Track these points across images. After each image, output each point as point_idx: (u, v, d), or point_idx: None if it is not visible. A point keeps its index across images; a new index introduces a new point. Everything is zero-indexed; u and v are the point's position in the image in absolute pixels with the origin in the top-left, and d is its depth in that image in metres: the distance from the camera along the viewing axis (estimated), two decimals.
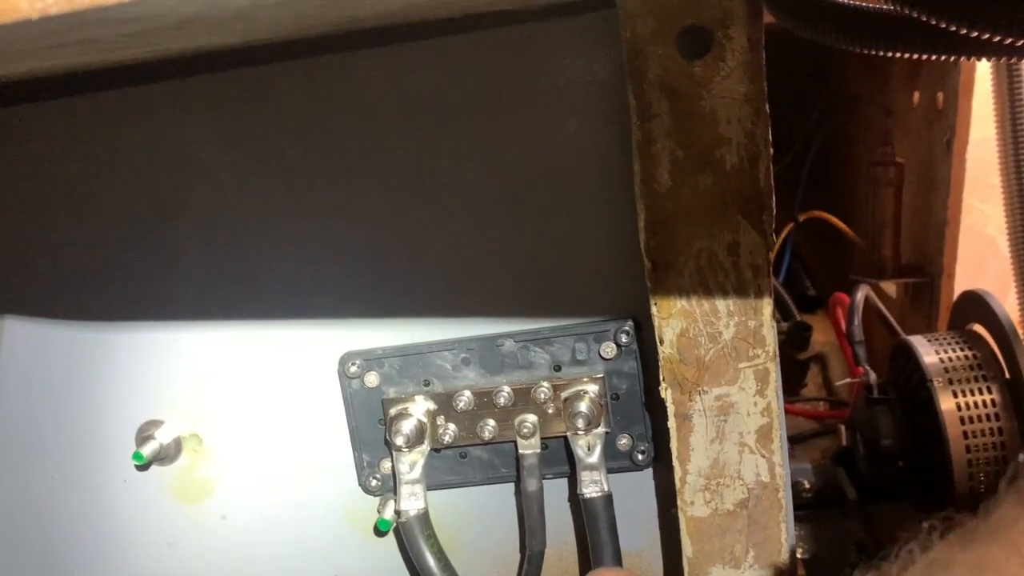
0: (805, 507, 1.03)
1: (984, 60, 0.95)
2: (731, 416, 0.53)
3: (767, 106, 0.50)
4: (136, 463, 0.61)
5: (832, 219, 1.25)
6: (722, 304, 0.52)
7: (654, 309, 0.53)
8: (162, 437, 0.62)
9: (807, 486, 1.04)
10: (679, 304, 0.53)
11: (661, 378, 0.54)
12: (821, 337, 1.26)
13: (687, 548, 0.56)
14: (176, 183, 0.59)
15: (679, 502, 0.55)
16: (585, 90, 0.55)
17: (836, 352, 1.23)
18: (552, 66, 0.55)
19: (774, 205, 0.51)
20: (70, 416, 0.63)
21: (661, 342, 0.53)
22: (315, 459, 0.62)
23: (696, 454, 0.54)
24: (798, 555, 0.98)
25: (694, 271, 0.52)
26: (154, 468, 0.64)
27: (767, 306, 0.52)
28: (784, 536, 0.55)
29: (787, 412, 1.15)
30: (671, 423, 0.54)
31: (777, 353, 0.53)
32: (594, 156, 0.56)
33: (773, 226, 0.52)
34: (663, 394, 0.54)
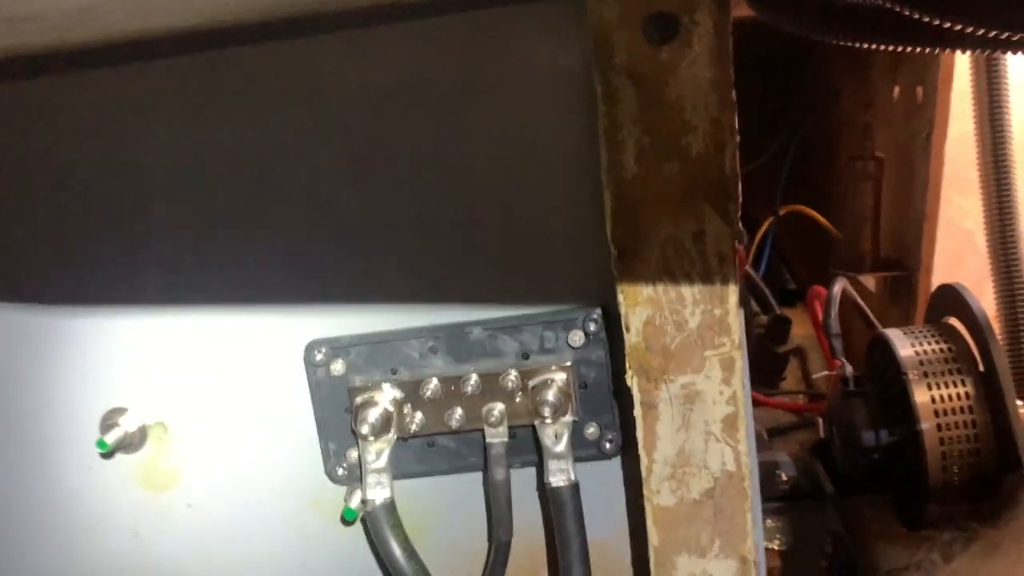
0: (782, 499, 1.03)
1: (964, 53, 0.95)
2: (697, 404, 0.53)
3: (734, 93, 0.50)
4: (100, 451, 0.60)
5: (812, 213, 1.25)
6: (688, 292, 0.52)
7: (620, 297, 0.53)
8: (127, 425, 0.61)
9: (784, 478, 1.04)
10: (645, 292, 0.52)
11: (627, 366, 0.53)
12: (800, 330, 1.26)
13: (653, 537, 0.55)
14: (141, 168, 0.59)
15: (645, 491, 0.55)
16: (552, 77, 0.54)
17: (815, 345, 1.23)
18: (519, 52, 0.54)
19: (740, 193, 0.51)
20: (33, 403, 0.62)
21: (627, 330, 0.53)
22: (281, 448, 0.62)
23: (662, 443, 0.54)
24: (774, 547, 0.98)
25: (660, 259, 0.52)
26: (119, 456, 0.63)
27: (733, 294, 0.52)
28: (750, 525, 0.54)
29: (766, 405, 1.15)
30: (637, 411, 0.54)
31: (744, 341, 0.53)
32: (562, 143, 0.55)
33: (739, 214, 0.52)
34: (629, 382, 0.54)
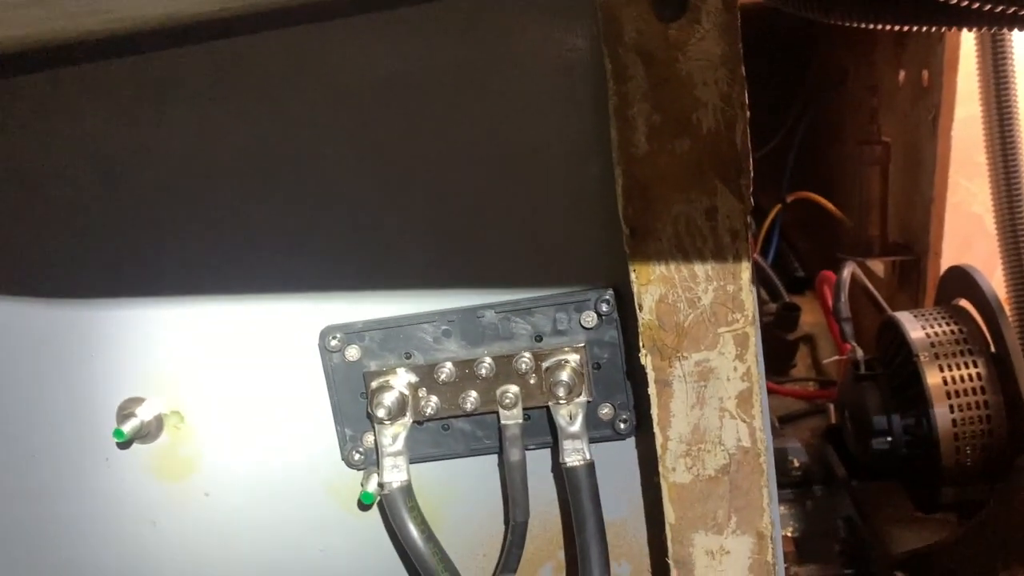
0: (794, 485, 1.03)
1: (970, 31, 0.95)
2: (711, 381, 0.53)
3: (743, 68, 0.50)
4: (117, 440, 0.61)
5: (819, 199, 1.25)
6: (700, 269, 0.52)
7: (633, 276, 0.53)
8: (143, 414, 0.62)
9: (796, 464, 1.05)
10: (658, 270, 0.52)
11: (641, 344, 0.53)
12: (810, 318, 1.27)
13: (669, 515, 0.55)
14: (155, 160, 0.59)
15: (660, 469, 0.55)
16: (562, 57, 0.54)
17: (825, 332, 1.23)
18: (529, 33, 0.54)
19: (751, 168, 0.51)
20: (50, 395, 0.63)
21: (640, 308, 0.53)
22: (297, 434, 0.62)
23: (677, 420, 0.54)
24: (787, 533, 0.98)
25: (672, 236, 0.52)
26: (136, 446, 0.63)
27: (745, 270, 0.52)
28: (766, 501, 0.55)
29: (777, 393, 1.15)
30: (651, 389, 0.54)
31: (757, 317, 0.53)
32: (571, 124, 0.55)
33: (751, 190, 0.52)
34: (643, 360, 0.54)
